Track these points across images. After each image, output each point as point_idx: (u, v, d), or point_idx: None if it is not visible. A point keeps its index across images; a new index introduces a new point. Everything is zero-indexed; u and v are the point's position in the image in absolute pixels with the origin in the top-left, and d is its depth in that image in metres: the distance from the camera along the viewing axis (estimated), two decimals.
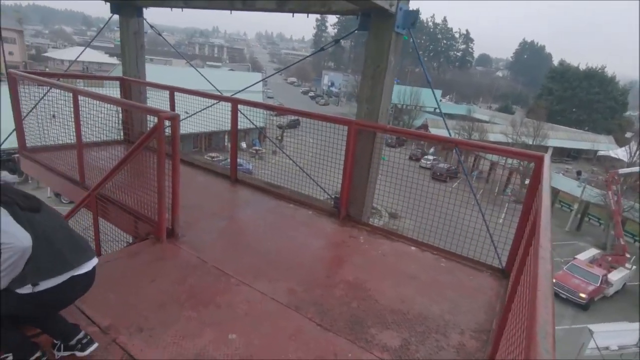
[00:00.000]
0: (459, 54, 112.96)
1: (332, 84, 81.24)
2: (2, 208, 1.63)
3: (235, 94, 5.17)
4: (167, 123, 3.13)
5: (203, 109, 5.54)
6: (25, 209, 1.75)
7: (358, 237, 3.86)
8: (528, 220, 3.06)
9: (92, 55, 58.13)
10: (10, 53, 46.72)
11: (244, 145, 40.41)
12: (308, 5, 4.10)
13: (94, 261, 1.99)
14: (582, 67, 64.37)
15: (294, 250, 3.45)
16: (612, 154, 40.47)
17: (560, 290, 18.77)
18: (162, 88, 5.69)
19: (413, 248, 3.72)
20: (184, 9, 5.44)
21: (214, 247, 3.38)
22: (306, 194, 4.90)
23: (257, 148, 39.44)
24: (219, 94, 5.33)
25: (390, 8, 3.44)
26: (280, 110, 4.47)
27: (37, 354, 1.83)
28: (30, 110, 4.64)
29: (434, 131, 43.75)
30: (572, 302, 18.75)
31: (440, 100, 69.07)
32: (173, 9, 5.58)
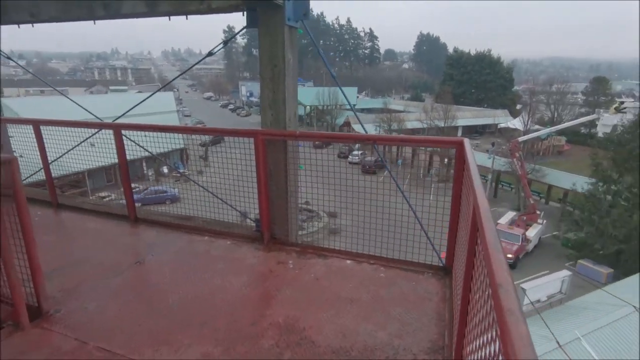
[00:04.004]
0: (366, 51, 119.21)
1: (251, 94, 79.95)
2: None
3: (117, 118, 4.33)
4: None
5: (83, 141, 4.60)
6: None
7: (287, 261, 3.36)
8: (460, 209, 2.85)
9: None
10: None
11: (165, 170, 37.57)
12: (184, 4, 3.49)
13: None
14: (472, 52, 71.98)
15: (209, 297, 2.83)
16: (510, 125, 45.74)
17: None
18: (22, 123, 4.60)
19: (348, 262, 3.33)
20: (34, 25, 4.44)
21: (101, 317, 2.62)
22: (227, 220, 4.27)
23: (181, 171, 36.91)
24: (100, 121, 4.44)
25: None
26: (169, 131, 3.78)
27: None
28: None
29: (356, 127, 45.18)
30: None
31: (358, 97, 72.08)
32: (21, 26, 4.53)
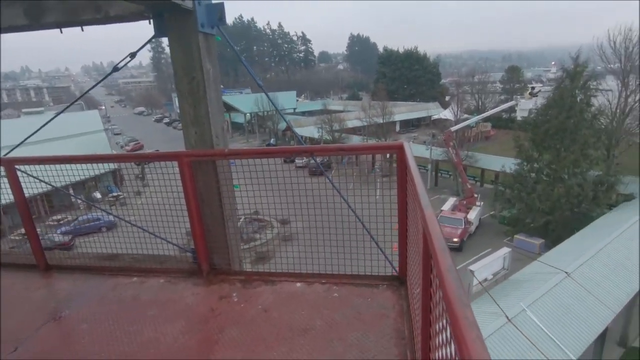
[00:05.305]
0: (301, 55, 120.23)
1: None
2: None
3: (12, 150, 3.64)
4: None
5: None
6: None
7: (230, 295, 3.00)
8: (407, 215, 2.73)
9: None
10: None
11: (98, 195, 34.44)
12: (75, 13, 2.98)
13: None
14: (401, 50, 75.69)
15: (139, 354, 2.40)
16: (442, 116, 48.69)
17: None
18: None
19: (299, 285, 3.07)
20: None
21: None
22: (160, 254, 3.78)
23: (115, 194, 34.03)
24: None
25: (184, 2, 2.66)
26: (78, 162, 3.24)
27: None
28: None
29: (297, 130, 45.21)
30: (449, 249, 21.75)
31: (297, 100, 72.21)
32: None
